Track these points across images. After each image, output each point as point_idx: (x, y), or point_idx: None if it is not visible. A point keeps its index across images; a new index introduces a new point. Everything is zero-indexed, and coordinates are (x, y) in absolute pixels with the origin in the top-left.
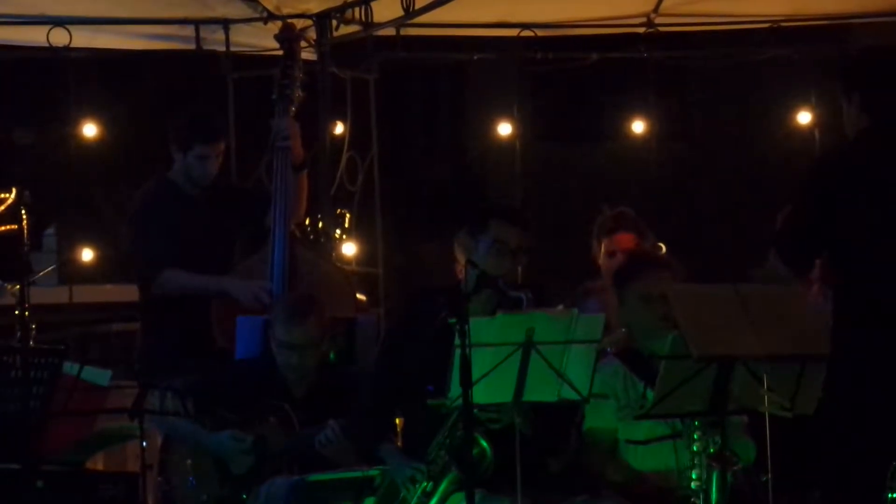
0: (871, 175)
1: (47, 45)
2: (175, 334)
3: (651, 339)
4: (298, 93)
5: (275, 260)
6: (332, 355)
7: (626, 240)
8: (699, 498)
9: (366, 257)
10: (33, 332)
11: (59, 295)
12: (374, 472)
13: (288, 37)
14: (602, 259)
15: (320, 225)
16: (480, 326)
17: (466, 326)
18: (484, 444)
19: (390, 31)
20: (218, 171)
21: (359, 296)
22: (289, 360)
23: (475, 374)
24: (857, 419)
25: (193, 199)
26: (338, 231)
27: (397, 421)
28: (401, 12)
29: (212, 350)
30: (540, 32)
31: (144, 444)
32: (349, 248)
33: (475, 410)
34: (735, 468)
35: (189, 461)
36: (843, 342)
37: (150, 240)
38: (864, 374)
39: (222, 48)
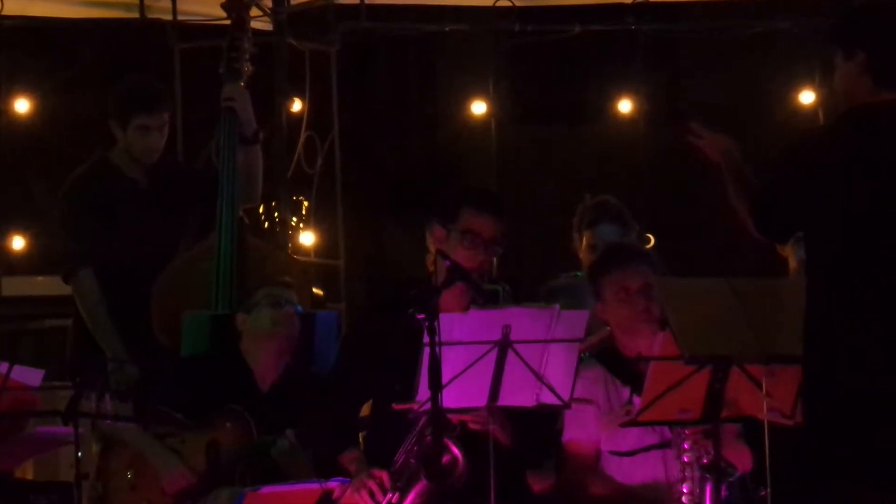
0: (864, 156)
1: None
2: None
3: (632, 337)
4: (248, 67)
5: (221, 247)
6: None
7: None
8: None
9: (326, 247)
10: None
11: None
12: (332, 484)
13: (236, 5)
14: (583, 252)
15: (275, 212)
16: (452, 323)
17: (436, 323)
18: (456, 451)
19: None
20: (163, 148)
21: (317, 290)
22: (290, 329)
23: (446, 376)
24: (833, 431)
25: (135, 184)
26: (294, 218)
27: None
28: None
29: (153, 348)
30: (518, 2)
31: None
32: (307, 238)
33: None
34: (730, 480)
35: (130, 472)
36: (814, 339)
37: (77, 228)
38: (839, 379)
39: (169, 17)
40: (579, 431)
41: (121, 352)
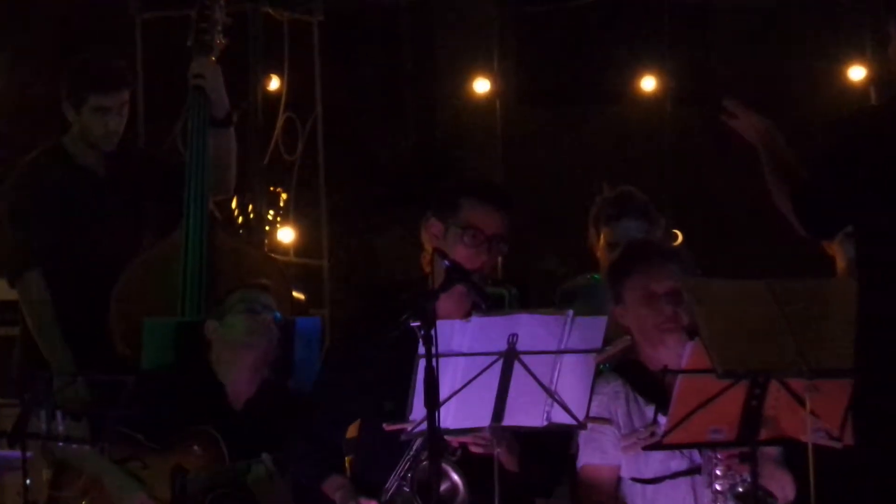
0: None
1: None
2: (64, 339)
3: (657, 347)
4: (220, 39)
5: (188, 247)
6: None
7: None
8: None
9: (307, 246)
10: None
11: None
12: None
13: None
14: (601, 251)
15: (250, 205)
16: (451, 331)
17: (433, 331)
18: (456, 478)
19: None
20: (122, 132)
21: (297, 294)
22: (266, 338)
23: (444, 392)
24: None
25: (91, 173)
26: (272, 212)
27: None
28: None
29: (110, 359)
30: None
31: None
32: (286, 234)
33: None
34: None
35: (85, 501)
36: (869, 349)
37: (24, 224)
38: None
39: None
40: (596, 455)
41: (69, 366)
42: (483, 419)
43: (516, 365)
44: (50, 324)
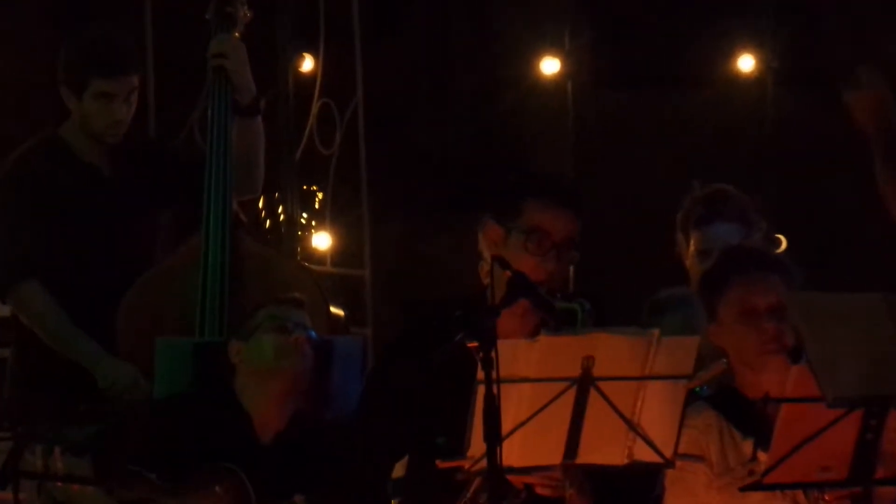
0: None
1: None
2: (64, 362)
3: (757, 372)
4: (244, 12)
5: (209, 256)
6: None
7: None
8: None
9: (346, 253)
10: None
11: None
12: None
13: None
14: (691, 259)
15: (280, 207)
16: (515, 353)
17: (494, 353)
18: None
19: None
20: (131, 122)
21: (335, 310)
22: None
23: (506, 424)
24: None
25: (95, 170)
26: (305, 215)
27: None
28: None
29: None
30: None
31: None
32: (322, 240)
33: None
34: None
35: None
36: None
37: (17, 228)
38: None
39: None
40: (686, 498)
41: (106, 358)
42: (553, 456)
43: (592, 392)
44: (64, 324)
